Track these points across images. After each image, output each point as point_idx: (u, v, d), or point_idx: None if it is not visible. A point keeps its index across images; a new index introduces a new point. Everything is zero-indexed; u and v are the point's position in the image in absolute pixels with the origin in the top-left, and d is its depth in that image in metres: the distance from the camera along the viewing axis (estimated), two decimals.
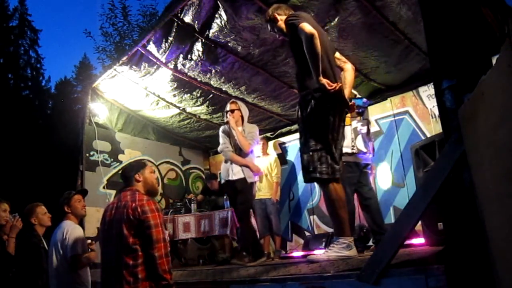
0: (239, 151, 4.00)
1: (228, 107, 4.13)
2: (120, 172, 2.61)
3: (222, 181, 4.17)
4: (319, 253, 2.75)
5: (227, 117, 4.08)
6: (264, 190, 5.28)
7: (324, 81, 2.40)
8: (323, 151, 2.39)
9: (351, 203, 3.50)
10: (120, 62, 4.65)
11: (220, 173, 4.64)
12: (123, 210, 2.24)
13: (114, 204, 2.37)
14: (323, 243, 4.73)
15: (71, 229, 2.94)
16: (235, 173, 3.95)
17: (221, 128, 4.23)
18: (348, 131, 3.49)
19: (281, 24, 2.71)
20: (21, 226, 3.19)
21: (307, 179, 2.48)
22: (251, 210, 5.30)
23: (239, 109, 4.10)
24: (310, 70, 2.43)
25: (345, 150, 3.15)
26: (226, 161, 4.09)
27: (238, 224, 4.30)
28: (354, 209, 3.65)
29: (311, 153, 2.39)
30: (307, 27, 2.40)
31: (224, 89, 4.96)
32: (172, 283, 2.22)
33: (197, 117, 5.72)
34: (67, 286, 2.87)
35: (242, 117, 4.10)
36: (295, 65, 2.70)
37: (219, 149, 4.19)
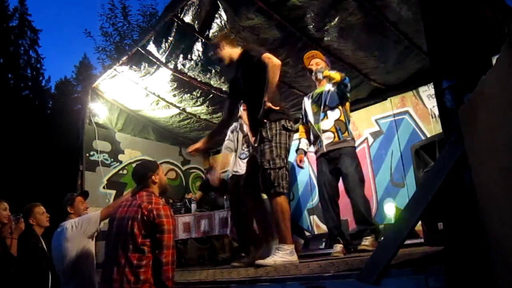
0: (247, 144, 4.00)
1: (242, 106, 4.07)
2: (133, 171, 2.58)
3: (230, 175, 4.05)
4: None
5: (240, 111, 4.03)
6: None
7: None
8: (284, 169, 2.75)
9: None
10: (120, 62, 4.65)
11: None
12: (137, 209, 2.23)
13: (127, 201, 2.37)
14: (323, 243, 4.72)
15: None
16: (241, 166, 3.93)
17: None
18: None
19: (223, 53, 2.98)
20: (24, 228, 3.20)
21: (272, 193, 2.71)
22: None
23: None
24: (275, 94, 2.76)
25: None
26: (230, 156, 4.08)
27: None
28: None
29: (277, 170, 2.70)
30: (274, 57, 2.75)
31: (224, 89, 4.96)
32: None
33: (197, 117, 5.72)
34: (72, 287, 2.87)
35: None
36: (256, 93, 2.80)
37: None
